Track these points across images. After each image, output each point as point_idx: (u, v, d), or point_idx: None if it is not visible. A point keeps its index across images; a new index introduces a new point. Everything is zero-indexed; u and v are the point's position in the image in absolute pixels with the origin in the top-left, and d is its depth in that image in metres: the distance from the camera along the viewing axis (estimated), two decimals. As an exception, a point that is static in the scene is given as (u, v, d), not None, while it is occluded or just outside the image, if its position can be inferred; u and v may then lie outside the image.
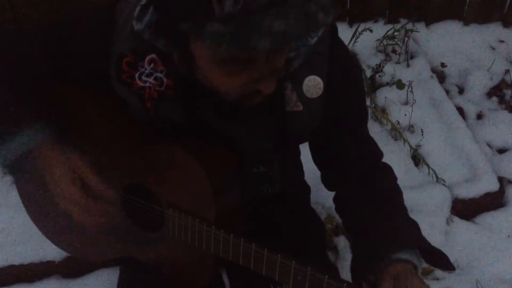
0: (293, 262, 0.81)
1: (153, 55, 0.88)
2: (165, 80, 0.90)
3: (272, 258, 0.83)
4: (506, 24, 2.44)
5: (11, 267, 1.58)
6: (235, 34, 0.66)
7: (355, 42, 2.12)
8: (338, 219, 1.65)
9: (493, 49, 2.36)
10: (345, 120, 0.98)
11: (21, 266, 1.59)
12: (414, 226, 0.96)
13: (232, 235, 0.87)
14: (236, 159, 0.95)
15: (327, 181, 1.08)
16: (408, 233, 0.92)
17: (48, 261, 1.59)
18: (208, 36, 0.68)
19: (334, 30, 0.94)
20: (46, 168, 0.89)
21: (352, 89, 0.97)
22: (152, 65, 0.89)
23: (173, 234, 0.94)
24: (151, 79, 0.90)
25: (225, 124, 0.95)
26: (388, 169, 1.05)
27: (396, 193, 1.02)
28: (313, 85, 0.90)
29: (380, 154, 1.06)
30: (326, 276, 0.79)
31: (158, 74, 0.90)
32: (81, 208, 0.89)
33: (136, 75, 0.90)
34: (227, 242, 0.88)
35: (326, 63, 0.91)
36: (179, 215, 0.92)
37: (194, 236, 0.91)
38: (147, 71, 0.90)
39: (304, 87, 0.91)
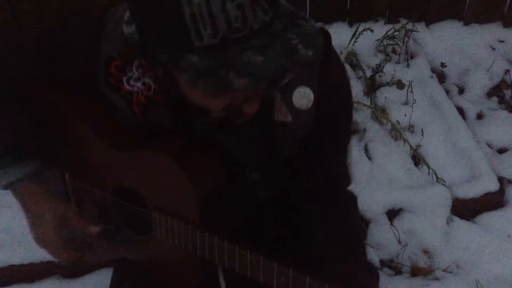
0: (276, 263, 0.82)
1: (142, 60, 0.88)
2: (152, 85, 0.89)
3: (255, 260, 0.83)
4: (506, 24, 2.44)
5: (11, 267, 1.58)
6: (212, 70, 0.66)
7: (355, 42, 2.12)
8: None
9: (493, 49, 2.36)
10: (329, 136, 0.96)
11: (21, 266, 1.59)
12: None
13: (216, 237, 0.87)
14: (222, 162, 0.94)
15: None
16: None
17: (48, 261, 1.59)
18: (185, 71, 0.68)
19: (328, 39, 0.91)
20: (30, 207, 0.97)
21: (342, 104, 0.96)
22: (140, 70, 0.89)
23: (161, 236, 0.95)
24: (139, 84, 0.89)
25: (213, 132, 0.94)
26: (349, 201, 1.03)
27: (351, 230, 1.00)
28: (303, 96, 0.88)
29: (347, 182, 1.04)
30: (308, 278, 0.80)
31: (146, 80, 0.89)
32: (54, 251, 0.98)
33: (124, 79, 0.90)
34: (211, 245, 0.88)
35: (318, 74, 0.89)
36: (164, 217, 0.92)
37: (180, 238, 0.92)
38: (135, 76, 0.89)
39: (294, 98, 0.89)
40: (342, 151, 1.02)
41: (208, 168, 0.94)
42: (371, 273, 0.97)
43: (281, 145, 0.95)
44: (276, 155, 0.97)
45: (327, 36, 0.91)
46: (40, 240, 0.99)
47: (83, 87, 0.94)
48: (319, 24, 0.87)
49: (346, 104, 0.98)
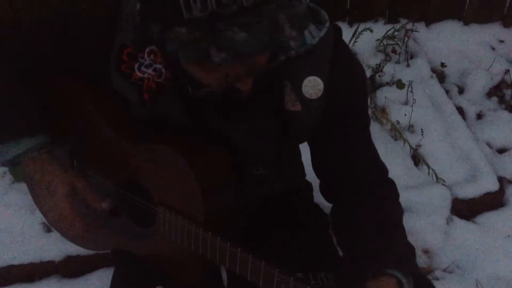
0: (277, 270, 0.81)
1: (153, 46, 0.88)
2: (164, 71, 0.89)
3: (256, 264, 0.83)
4: (506, 24, 2.44)
5: (11, 267, 1.58)
6: (195, 43, 0.67)
7: (355, 42, 2.12)
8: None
9: (493, 49, 2.36)
10: (346, 124, 0.97)
11: (21, 266, 1.58)
12: (410, 251, 0.94)
13: (219, 238, 0.86)
14: (230, 159, 0.95)
15: (326, 191, 1.06)
16: (402, 255, 0.91)
17: (48, 261, 1.59)
18: (170, 41, 0.69)
19: (338, 32, 0.93)
20: (40, 178, 0.93)
21: (354, 93, 0.96)
22: (151, 56, 0.89)
23: (164, 231, 0.95)
24: (150, 70, 0.90)
25: (223, 121, 0.94)
26: (392, 187, 1.02)
27: (397, 214, 0.99)
28: (313, 85, 0.89)
29: (385, 168, 1.03)
30: (309, 287, 0.79)
31: (157, 66, 0.89)
32: (66, 223, 0.94)
33: (136, 66, 0.90)
34: (213, 245, 0.88)
35: (328, 64, 0.90)
36: (169, 213, 0.92)
37: (183, 235, 0.92)
38: (146, 62, 0.89)
39: (304, 88, 0.90)
40: (362, 137, 1.01)
41: (216, 164, 0.94)
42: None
43: (290, 134, 0.95)
44: (285, 145, 0.97)
45: (337, 31, 0.93)
46: (53, 216, 0.96)
47: (94, 76, 0.94)
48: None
49: (358, 92, 0.98)
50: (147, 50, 0.89)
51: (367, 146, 1.02)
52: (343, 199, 1.01)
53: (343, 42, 0.95)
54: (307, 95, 0.90)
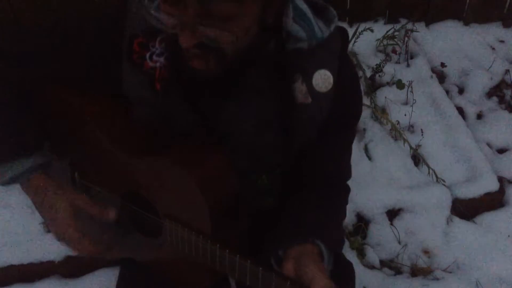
0: (288, 282, 0.79)
1: (165, 35, 0.87)
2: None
3: (267, 276, 0.81)
4: (506, 24, 2.44)
5: (11, 267, 1.58)
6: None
7: (355, 42, 2.12)
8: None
9: (493, 49, 2.36)
10: (340, 122, 0.97)
11: (21, 266, 1.58)
12: (340, 242, 1.01)
13: (227, 250, 0.85)
14: (234, 167, 0.94)
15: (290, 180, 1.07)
16: (333, 237, 0.96)
17: (48, 261, 1.59)
18: None
19: (345, 35, 0.95)
20: (41, 202, 0.93)
21: (357, 92, 0.98)
22: (163, 44, 0.88)
23: (171, 243, 0.94)
24: (161, 59, 0.89)
25: (230, 116, 0.93)
26: (344, 192, 1.09)
27: (340, 211, 1.06)
28: (324, 79, 0.90)
29: (348, 175, 1.08)
30: None
31: (169, 53, 0.89)
32: (73, 244, 0.93)
33: (147, 55, 0.89)
34: (222, 258, 0.86)
35: (337, 60, 0.91)
36: (175, 226, 0.91)
37: (191, 247, 0.90)
38: (158, 51, 0.89)
39: (314, 80, 0.90)
40: (347, 149, 1.05)
41: (221, 175, 0.92)
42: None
43: (299, 128, 0.95)
44: (293, 142, 0.97)
45: (344, 32, 0.95)
46: (58, 234, 0.96)
47: (100, 77, 0.93)
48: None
49: (358, 100, 1.01)
50: (158, 38, 0.88)
51: (344, 149, 1.05)
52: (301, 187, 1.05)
53: (348, 45, 0.97)
54: (317, 88, 0.91)
